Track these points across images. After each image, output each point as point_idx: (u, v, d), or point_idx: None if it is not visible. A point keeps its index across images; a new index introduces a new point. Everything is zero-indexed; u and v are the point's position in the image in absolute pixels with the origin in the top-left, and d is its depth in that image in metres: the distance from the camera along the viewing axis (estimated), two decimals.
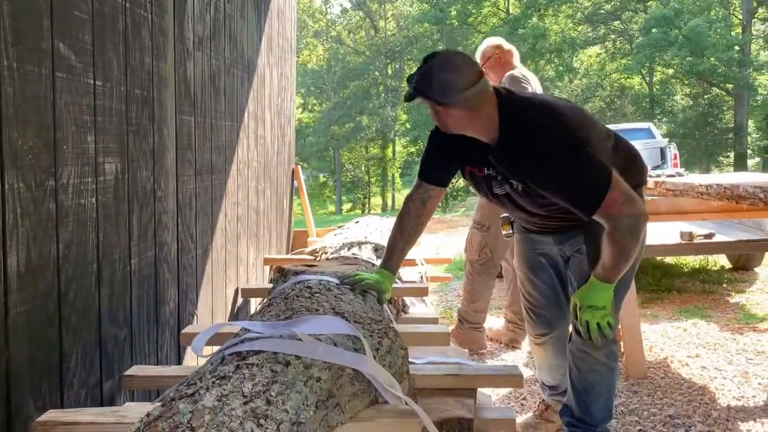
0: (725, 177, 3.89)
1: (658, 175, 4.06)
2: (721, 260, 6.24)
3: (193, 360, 2.43)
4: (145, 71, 2.03)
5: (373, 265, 2.56)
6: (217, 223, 2.80)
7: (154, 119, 2.10)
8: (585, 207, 1.83)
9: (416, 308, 2.74)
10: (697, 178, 3.49)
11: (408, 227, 2.04)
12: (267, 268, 3.63)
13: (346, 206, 32.13)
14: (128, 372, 1.75)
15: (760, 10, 26.78)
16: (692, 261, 6.24)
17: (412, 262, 3.76)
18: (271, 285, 2.32)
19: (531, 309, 2.38)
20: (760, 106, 26.15)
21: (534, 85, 3.56)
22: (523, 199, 2.00)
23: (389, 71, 31.86)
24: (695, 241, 4.92)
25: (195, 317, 2.54)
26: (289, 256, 3.27)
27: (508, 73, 3.55)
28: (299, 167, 4.75)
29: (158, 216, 2.15)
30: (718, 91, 27.11)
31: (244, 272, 3.25)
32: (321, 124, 29.56)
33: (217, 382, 1.08)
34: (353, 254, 2.69)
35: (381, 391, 1.26)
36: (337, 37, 33.27)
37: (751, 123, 26.61)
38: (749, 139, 26.34)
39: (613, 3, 27.44)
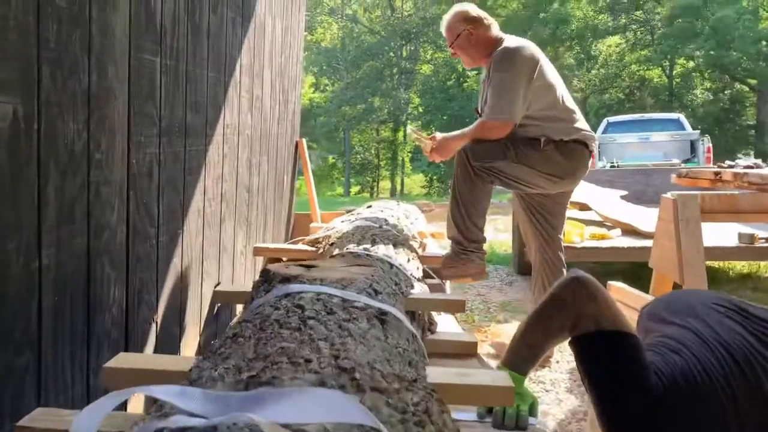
0: None
1: (731, 166, 3.42)
2: None
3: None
4: None
5: (391, 265, 1.93)
6: (191, 201, 2.18)
7: (91, 49, 1.46)
8: None
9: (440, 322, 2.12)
10: None
11: None
12: (259, 260, 3.01)
13: (355, 189, 31.47)
14: (24, 421, 1.14)
15: None
16: (739, 266, 5.59)
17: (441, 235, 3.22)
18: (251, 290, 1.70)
19: None
20: None
21: (548, 67, 2.92)
22: None
23: (404, 53, 31.02)
24: (756, 244, 4.29)
25: (154, 325, 1.92)
26: (284, 246, 2.66)
27: (501, 48, 2.87)
28: (303, 141, 4.11)
29: (95, 188, 1.52)
30: (739, 86, 26.26)
31: (228, 264, 2.63)
32: (332, 104, 28.84)
33: None
34: (365, 249, 2.07)
35: None
36: (353, 15, 32.43)
37: None
38: None
39: None
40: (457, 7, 3.06)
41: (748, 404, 1.28)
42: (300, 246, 2.63)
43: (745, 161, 3.32)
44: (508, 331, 3.87)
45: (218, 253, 2.51)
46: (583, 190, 5.63)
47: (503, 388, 1.16)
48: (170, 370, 1.18)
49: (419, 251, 2.77)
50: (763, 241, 4.27)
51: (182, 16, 2.01)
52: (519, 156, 2.81)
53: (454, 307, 1.80)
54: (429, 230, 3.39)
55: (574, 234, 4.52)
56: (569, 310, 1.36)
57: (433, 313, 1.96)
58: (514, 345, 1.46)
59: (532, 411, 1.41)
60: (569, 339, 1.40)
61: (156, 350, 1.93)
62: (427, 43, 30.74)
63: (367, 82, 28.69)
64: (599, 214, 5.24)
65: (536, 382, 3.01)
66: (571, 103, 2.98)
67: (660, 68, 27.54)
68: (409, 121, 29.83)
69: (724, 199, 2.84)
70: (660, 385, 1.28)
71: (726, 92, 27.06)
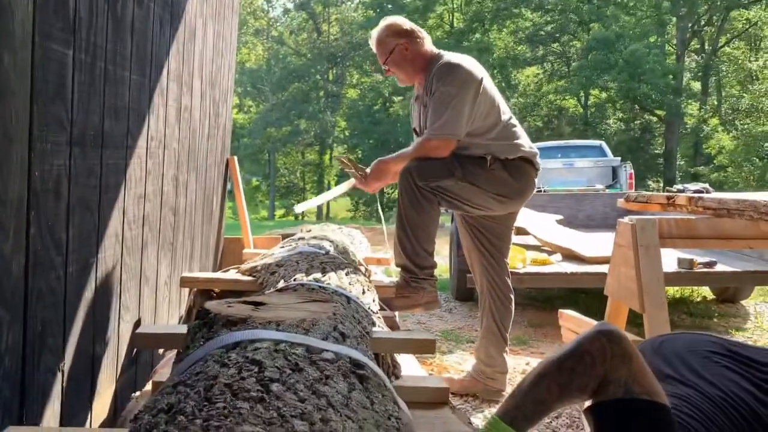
0: None
1: (680, 190, 3.36)
2: (703, 290, 5.67)
3: None
4: None
5: (348, 299, 1.67)
6: (108, 224, 1.85)
7: None
8: None
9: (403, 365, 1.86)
10: (756, 195, 2.78)
11: None
12: (185, 292, 2.67)
13: (279, 212, 30.89)
14: None
15: (693, 41, 27.58)
16: (672, 291, 5.64)
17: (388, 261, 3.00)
18: (185, 329, 1.39)
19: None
20: (689, 134, 26.90)
21: (490, 84, 2.80)
22: None
23: (330, 76, 30.96)
24: (696, 269, 4.29)
25: (60, 375, 1.57)
26: (216, 276, 2.34)
27: (442, 62, 2.72)
28: (235, 159, 3.80)
29: None
30: (649, 116, 27.70)
31: (150, 297, 2.29)
32: (257, 125, 28.33)
33: None
34: (316, 280, 1.79)
35: None
36: (279, 37, 32.14)
37: (679, 150, 27.34)
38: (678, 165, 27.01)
39: (553, 26, 27.62)
40: (388, 21, 2.86)
41: None
42: (235, 276, 2.33)
43: (693, 186, 3.28)
44: (453, 362, 3.66)
45: (139, 284, 2.16)
46: (519, 214, 5.56)
47: None
48: None
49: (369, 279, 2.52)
50: (702, 266, 4.27)
51: (101, 5, 1.70)
52: (466, 175, 2.65)
53: (424, 347, 1.55)
54: (374, 256, 3.14)
55: (517, 260, 4.39)
56: (596, 370, 1.14)
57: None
58: (518, 397, 1.23)
59: None
60: (589, 404, 1.19)
61: (63, 407, 1.58)
62: (353, 67, 30.82)
63: (292, 104, 28.39)
64: (537, 238, 5.15)
65: None
66: (513, 120, 2.85)
67: (575, 98, 28.68)
68: (335, 144, 29.65)
69: (682, 224, 2.74)
70: None
71: (636, 122, 28.46)
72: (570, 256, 4.75)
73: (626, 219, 2.78)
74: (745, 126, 23.62)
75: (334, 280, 1.85)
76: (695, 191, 3.17)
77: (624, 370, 1.13)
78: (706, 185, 3.29)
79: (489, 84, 2.76)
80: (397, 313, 2.85)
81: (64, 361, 1.59)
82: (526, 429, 1.21)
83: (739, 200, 2.62)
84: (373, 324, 1.63)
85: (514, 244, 4.81)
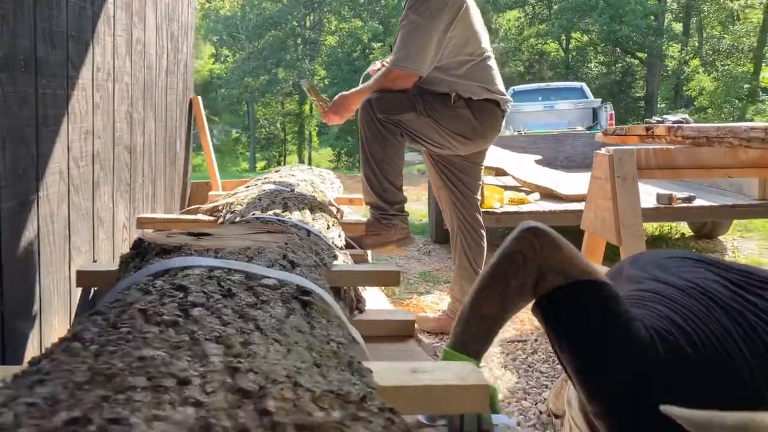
0: None
1: (659, 122, 3.27)
2: (681, 227, 5.67)
3: None
4: None
5: (308, 232, 1.58)
6: (49, 159, 1.72)
7: None
8: None
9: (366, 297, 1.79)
10: (736, 124, 2.70)
11: None
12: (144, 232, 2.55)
13: (261, 164, 30.55)
14: None
15: None
16: (651, 228, 5.62)
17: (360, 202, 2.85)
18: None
19: None
20: (670, 76, 26.76)
21: (473, 16, 2.64)
22: None
23: (308, 23, 30.17)
24: (675, 205, 4.25)
25: (0, 319, 1.47)
26: (175, 216, 2.23)
27: None
28: (199, 99, 3.63)
29: None
30: (630, 59, 27.44)
31: (107, 239, 2.18)
32: (234, 75, 27.65)
33: None
34: (275, 215, 1.69)
35: None
36: None
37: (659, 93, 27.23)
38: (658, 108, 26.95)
39: None
40: None
41: (747, 352, 1.06)
42: (196, 216, 2.22)
43: (673, 116, 3.19)
44: (430, 302, 3.62)
45: (92, 225, 2.05)
46: (498, 156, 5.46)
47: (476, 388, 0.84)
48: None
49: (337, 218, 2.42)
50: (680, 201, 4.23)
51: None
52: (428, 109, 2.53)
53: (388, 279, 1.47)
54: (347, 197, 3.04)
55: (494, 199, 4.32)
56: (529, 266, 1.09)
57: (360, 288, 1.63)
58: (463, 319, 1.16)
59: (494, 406, 1.11)
60: (533, 301, 1.13)
61: (4, 355, 1.49)
62: (330, 13, 30.00)
63: (269, 53, 27.70)
64: (516, 179, 5.08)
65: None
66: (491, 61, 2.70)
67: (557, 42, 28.29)
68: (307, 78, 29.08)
69: (660, 154, 2.66)
70: (649, 336, 1.03)
71: (618, 65, 28.20)
72: (548, 195, 4.69)
73: (603, 150, 2.69)
74: (726, 67, 23.52)
75: (296, 215, 1.75)
76: (675, 122, 3.08)
77: (558, 257, 1.09)
78: (686, 116, 3.20)
79: (470, 16, 2.60)
80: (370, 253, 2.77)
81: (3, 304, 1.49)
82: (480, 351, 1.15)
83: (719, 127, 2.54)
84: (335, 257, 1.54)
85: (492, 184, 4.75)
